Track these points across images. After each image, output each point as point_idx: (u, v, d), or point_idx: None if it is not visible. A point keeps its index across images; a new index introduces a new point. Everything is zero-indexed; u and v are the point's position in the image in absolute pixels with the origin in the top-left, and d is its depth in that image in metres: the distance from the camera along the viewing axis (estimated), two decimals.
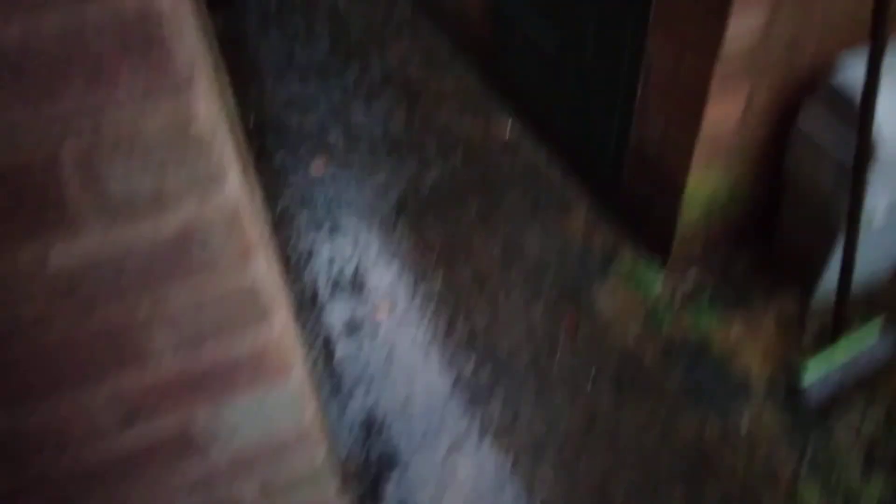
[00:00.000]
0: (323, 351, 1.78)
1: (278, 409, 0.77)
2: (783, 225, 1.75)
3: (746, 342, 1.70)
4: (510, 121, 2.44)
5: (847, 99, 1.40)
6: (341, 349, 1.78)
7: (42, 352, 0.60)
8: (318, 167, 2.28)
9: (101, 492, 0.73)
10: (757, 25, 1.37)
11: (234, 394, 0.72)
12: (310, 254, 2.03)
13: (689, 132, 1.54)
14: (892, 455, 1.48)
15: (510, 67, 2.40)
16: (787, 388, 1.58)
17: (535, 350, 1.73)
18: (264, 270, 0.66)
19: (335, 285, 1.93)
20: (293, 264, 2.00)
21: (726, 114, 1.51)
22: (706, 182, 1.64)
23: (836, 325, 1.56)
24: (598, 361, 1.70)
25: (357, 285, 1.93)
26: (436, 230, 2.06)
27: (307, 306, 1.89)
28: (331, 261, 2.00)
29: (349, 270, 1.97)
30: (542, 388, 1.65)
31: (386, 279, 1.94)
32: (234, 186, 0.59)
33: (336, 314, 1.86)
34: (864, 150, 1.33)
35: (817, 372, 1.54)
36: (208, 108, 0.56)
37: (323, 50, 3.00)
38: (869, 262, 1.59)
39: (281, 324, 0.71)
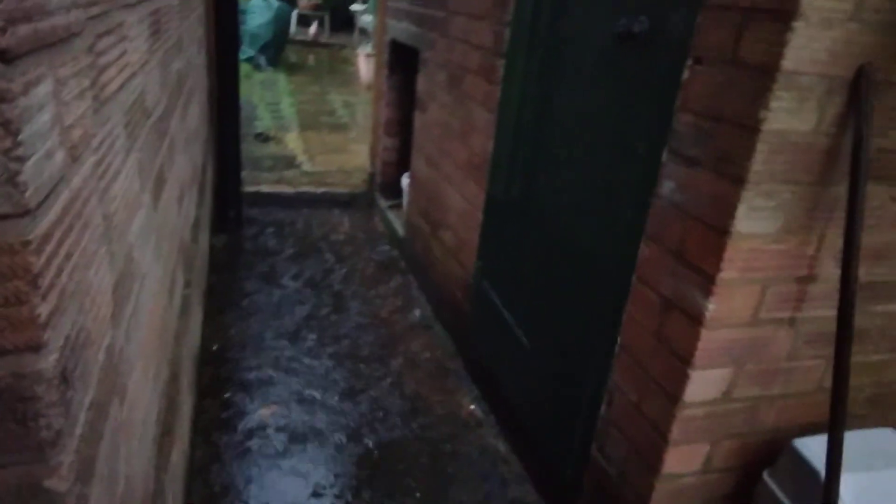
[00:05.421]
0: None
1: None
2: None
3: None
4: (475, 398, 2.38)
5: (803, 479, 1.34)
6: None
7: None
8: (265, 414, 2.16)
9: None
10: (717, 387, 1.37)
11: None
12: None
13: (649, 472, 1.46)
14: None
15: (484, 346, 2.40)
16: None
17: None
18: None
19: None
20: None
21: (686, 463, 1.44)
22: None
23: None
24: None
25: None
26: None
27: None
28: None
29: None
30: None
31: None
32: None
33: None
34: None
35: None
36: None
37: (305, 294, 3.07)
38: None
39: None
